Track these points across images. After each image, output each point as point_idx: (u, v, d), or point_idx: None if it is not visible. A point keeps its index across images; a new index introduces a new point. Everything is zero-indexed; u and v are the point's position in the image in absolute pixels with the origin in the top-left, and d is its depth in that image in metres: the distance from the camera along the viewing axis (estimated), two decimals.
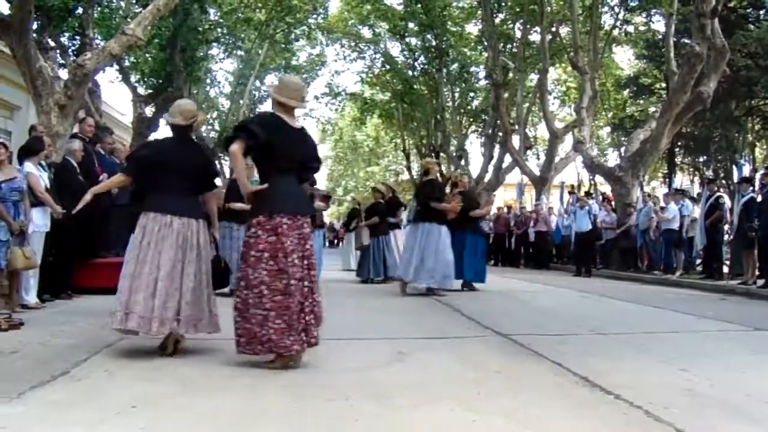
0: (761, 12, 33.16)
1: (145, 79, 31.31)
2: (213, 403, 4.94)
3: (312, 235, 6.75)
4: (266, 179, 6.50)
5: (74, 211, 7.94)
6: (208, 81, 42.88)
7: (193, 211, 6.92)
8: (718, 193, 19.06)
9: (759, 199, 16.70)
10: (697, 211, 19.78)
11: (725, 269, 19.18)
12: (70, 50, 23.21)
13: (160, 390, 5.23)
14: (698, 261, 20.77)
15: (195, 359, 6.49)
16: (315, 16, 43.77)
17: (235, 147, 6.26)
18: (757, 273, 16.69)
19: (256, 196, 6.47)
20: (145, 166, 7.02)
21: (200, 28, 30.66)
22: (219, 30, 36.30)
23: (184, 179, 6.88)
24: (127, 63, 29.44)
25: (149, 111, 28.45)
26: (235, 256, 11.52)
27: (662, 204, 21.52)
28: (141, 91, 30.26)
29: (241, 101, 43.55)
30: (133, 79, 30.52)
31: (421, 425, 4.51)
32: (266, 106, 48.31)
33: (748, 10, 33.08)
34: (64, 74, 16.83)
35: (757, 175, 19.28)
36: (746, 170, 26.32)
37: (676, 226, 20.10)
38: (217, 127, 45.11)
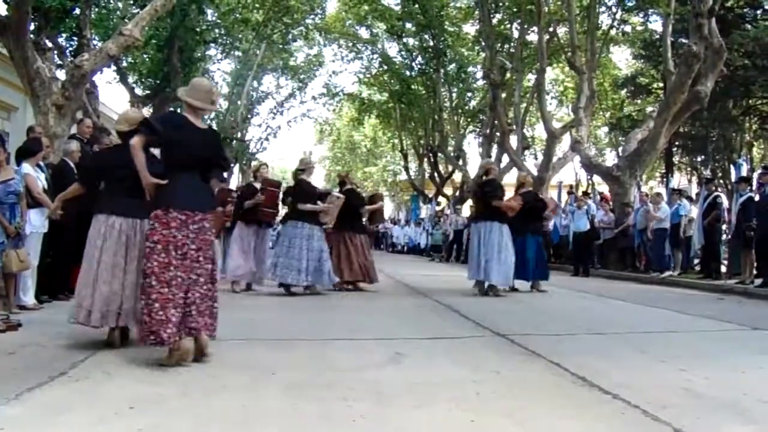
0: (758, 12, 33.24)
1: (143, 80, 31.30)
2: (212, 403, 4.94)
3: (210, 229, 6.88)
4: (168, 175, 6.64)
5: (45, 217, 8.48)
6: None
7: (139, 212, 7.08)
8: (715, 193, 19.08)
9: (756, 198, 16.71)
10: (694, 211, 19.81)
11: (723, 269, 19.18)
12: (67, 51, 23.18)
13: (159, 391, 5.21)
14: (696, 261, 20.79)
15: (193, 360, 6.49)
16: (312, 16, 43.95)
17: (135, 140, 6.55)
18: (754, 272, 16.71)
19: (157, 190, 6.63)
20: (91, 173, 7.87)
21: (198, 29, 30.62)
22: (216, 30, 36.29)
23: (127, 182, 7.05)
24: (124, 64, 29.47)
25: (147, 112, 28.41)
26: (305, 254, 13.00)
27: (648, 203, 21.48)
28: (138, 91, 30.28)
29: (239, 102, 43.63)
30: (130, 79, 30.55)
31: (419, 426, 4.51)
32: (264, 107, 48.52)
33: (745, 10, 33.13)
34: (61, 75, 16.80)
35: (755, 175, 19.29)
36: (744, 170, 26.25)
37: (667, 225, 20.15)
38: (214, 127, 45.01)
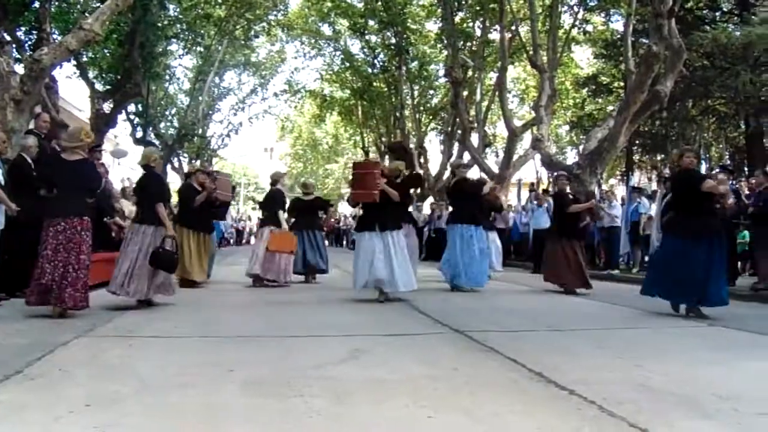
0: (717, 13, 33.65)
1: (103, 75, 31.08)
2: (170, 401, 4.92)
3: (73, 231, 9.27)
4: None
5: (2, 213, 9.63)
6: (167, 77, 42.59)
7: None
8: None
9: None
10: (654, 209, 19.93)
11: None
12: (26, 45, 22.94)
13: (116, 388, 5.18)
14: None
15: (152, 356, 6.47)
16: (275, 12, 43.91)
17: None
18: None
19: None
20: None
21: (159, 24, 30.42)
22: (178, 26, 36.13)
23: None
24: (84, 58, 29.20)
25: (107, 107, 28.19)
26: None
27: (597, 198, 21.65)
28: (99, 87, 30.03)
29: (201, 98, 43.53)
30: (90, 74, 30.29)
31: (376, 422, 4.51)
32: (226, 103, 48.40)
33: (705, 12, 33.53)
34: (20, 69, 16.60)
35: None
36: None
37: (620, 222, 20.37)
38: (176, 124, 44.90)
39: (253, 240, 31.94)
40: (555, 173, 17.50)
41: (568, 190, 15.93)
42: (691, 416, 4.70)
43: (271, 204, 16.19)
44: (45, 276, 9.02)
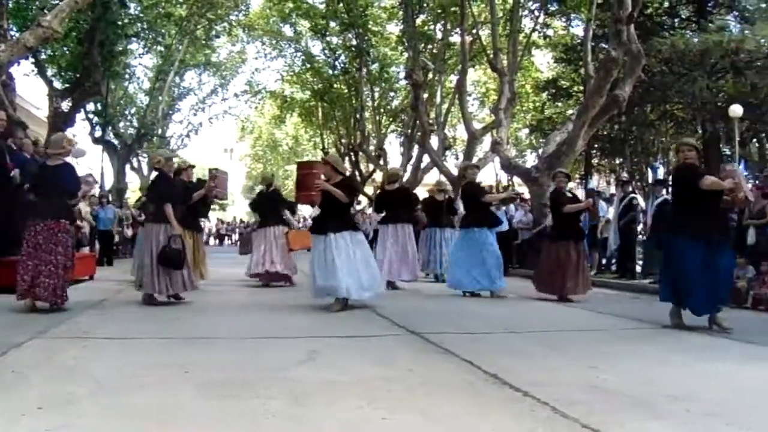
0: (676, 20, 34.00)
1: (62, 73, 30.95)
2: (125, 402, 4.88)
3: (50, 232, 9.97)
4: None
5: None
6: (127, 76, 42.40)
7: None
8: (631, 195, 19.35)
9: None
10: (611, 212, 20.08)
11: (638, 269, 19.47)
12: None
13: (71, 390, 5.14)
14: (613, 261, 21.08)
15: (107, 358, 6.44)
16: (236, 12, 43.80)
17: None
18: None
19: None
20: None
21: (120, 23, 30.26)
22: (139, 25, 35.99)
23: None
24: (43, 56, 29.04)
25: (66, 106, 28.01)
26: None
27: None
28: (57, 85, 29.87)
29: (161, 97, 43.35)
30: (49, 72, 30.14)
31: (331, 423, 4.52)
32: (186, 103, 48.17)
33: (664, 18, 33.91)
34: None
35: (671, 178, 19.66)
36: (661, 172, 26.77)
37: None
38: (135, 124, 44.67)
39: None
40: (553, 171, 16.68)
41: (567, 188, 14.85)
42: (643, 417, 4.75)
43: (273, 205, 16.26)
44: (26, 273, 9.74)
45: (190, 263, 12.07)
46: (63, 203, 10.28)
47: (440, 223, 18.28)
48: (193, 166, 15.50)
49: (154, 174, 12.01)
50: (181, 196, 12.60)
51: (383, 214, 16.73)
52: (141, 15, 35.38)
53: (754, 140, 31.94)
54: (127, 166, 43.09)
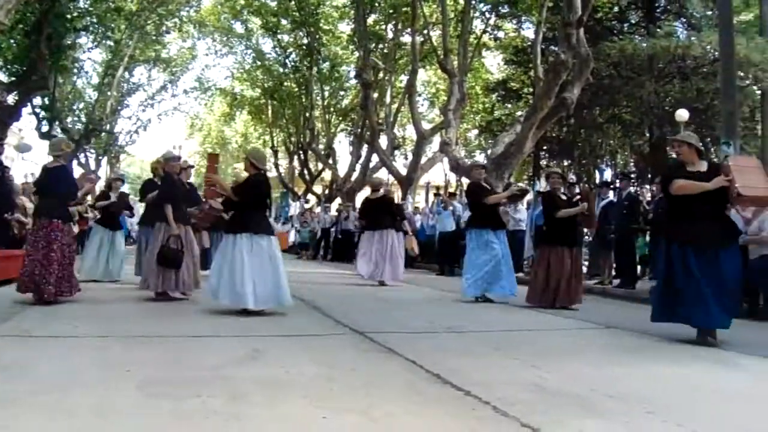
0: (625, 25, 34.44)
1: (8, 66, 30.54)
2: (64, 401, 4.77)
3: (45, 231, 10.44)
4: None
5: None
6: (75, 70, 41.94)
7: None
8: (578, 196, 19.50)
9: (616, 202, 17.26)
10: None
11: (584, 269, 19.64)
12: None
13: (9, 388, 5.04)
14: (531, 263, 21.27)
15: (49, 357, 6.36)
16: (187, 8, 43.53)
17: None
18: (613, 273, 17.27)
19: None
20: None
21: (68, 16, 29.92)
22: (88, 18, 35.47)
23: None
24: None
25: (12, 99, 27.68)
26: None
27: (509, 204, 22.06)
28: (3, 78, 29.51)
29: (109, 93, 43.02)
30: None
31: (271, 422, 4.49)
32: (135, 99, 47.87)
33: (614, 23, 34.35)
34: None
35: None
36: (608, 175, 27.05)
37: (524, 226, 20.63)
38: (83, 119, 44.28)
39: None
40: (546, 171, 15.95)
41: (562, 190, 13.41)
42: (582, 415, 4.77)
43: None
44: (25, 269, 10.36)
45: (194, 263, 12.02)
46: (58, 204, 10.72)
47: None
48: (192, 167, 15.46)
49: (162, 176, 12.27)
50: (186, 196, 12.59)
51: (363, 220, 18.08)
52: (90, 8, 34.89)
53: (700, 144, 32.25)
54: (74, 162, 42.66)
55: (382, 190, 18.06)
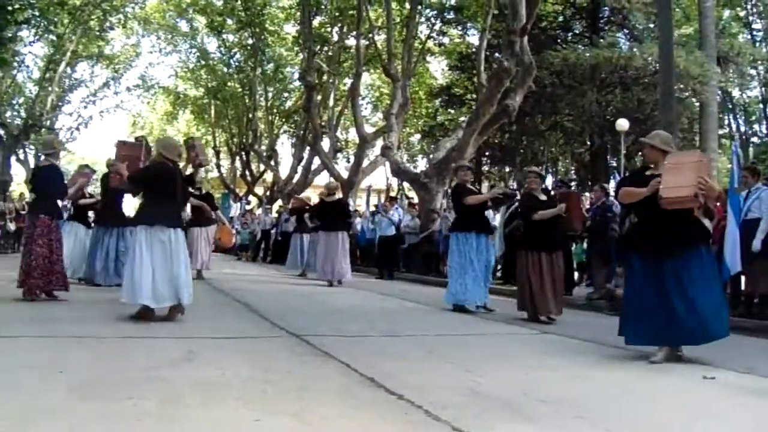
0: (569, 35, 34.81)
1: None
2: None
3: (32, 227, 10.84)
4: None
5: None
6: (16, 64, 41.37)
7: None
8: (518, 203, 19.65)
9: None
10: (497, 219, 20.34)
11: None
12: None
13: None
14: (498, 267, 21.35)
15: None
16: (132, 5, 43.12)
17: None
18: None
19: None
20: None
21: (9, 8, 29.51)
22: (30, 11, 35.03)
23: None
24: None
25: None
26: None
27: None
28: None
29: (51, 88, 42.41)
30: None
31: (203, 424, 4.47)
32: (76, 95, 47.34)
33: (558, 32, 34.78)
34: None
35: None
36: (549, 181, 27.27)
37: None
38: (23, 114, 43.73)
39: None
40: (527, 169, 14.58)
41: (541, 190, 12.37)
42: (514, 419, 4.83)
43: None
44: (20, 266, 10.85)
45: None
46: (45, 201, 11.07)
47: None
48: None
49: None
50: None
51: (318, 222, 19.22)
52: (33, 1, 34.47)
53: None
54: (13, 158, 42.15)
55: (337, 195, 19.85)
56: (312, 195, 30.62)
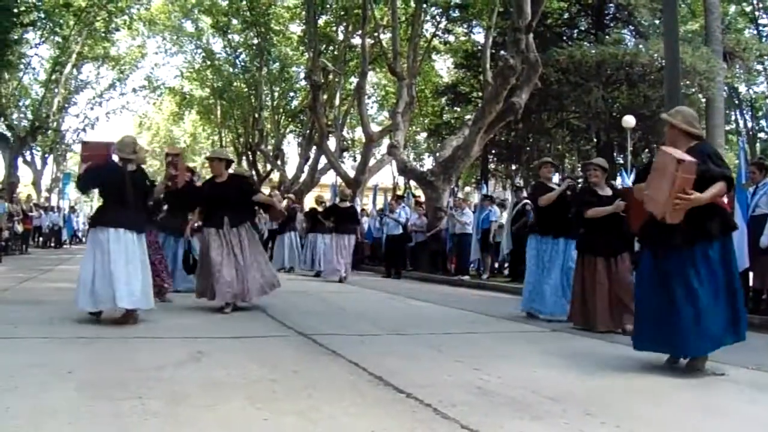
0: (575, 31, 34.76)
1: None
2: (0, 403, 4.73)
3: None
4: None
5: None
6: (22, 66, 41.38)
7: None
8: (525, 200, 19.58)
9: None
10: (505, 217, 20.32)
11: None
12: None
13: None
14: (505, 265, 21.35)
15: None
16: (137, 6, 43.06)
17: None
18: None
19: None
20: None
21: (15, 10, 29.55)
22: (36, 13, 35.08)
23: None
24: None
25: None
26: None
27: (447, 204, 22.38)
28: None
29: (57, 90, 42.44)
30: None
31: (211, 424, 4.45)
32: (83, 97, 47.46)
33: (563, 29, 34.72)
34: None
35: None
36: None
37: (470, 230, 20.74)
38: (29, 116, 43.75)
39: None
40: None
41: (605, 184, 10.72)
42: (522, 417, 4.79)
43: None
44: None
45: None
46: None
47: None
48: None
49: None
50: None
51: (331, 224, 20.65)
52: (38, 3, 34.49)
53: (646, 150, 32.63)
54: (20, 160, 42.21)
55: (348, 202, 21.21)
56: (319, 193, 30.95)
